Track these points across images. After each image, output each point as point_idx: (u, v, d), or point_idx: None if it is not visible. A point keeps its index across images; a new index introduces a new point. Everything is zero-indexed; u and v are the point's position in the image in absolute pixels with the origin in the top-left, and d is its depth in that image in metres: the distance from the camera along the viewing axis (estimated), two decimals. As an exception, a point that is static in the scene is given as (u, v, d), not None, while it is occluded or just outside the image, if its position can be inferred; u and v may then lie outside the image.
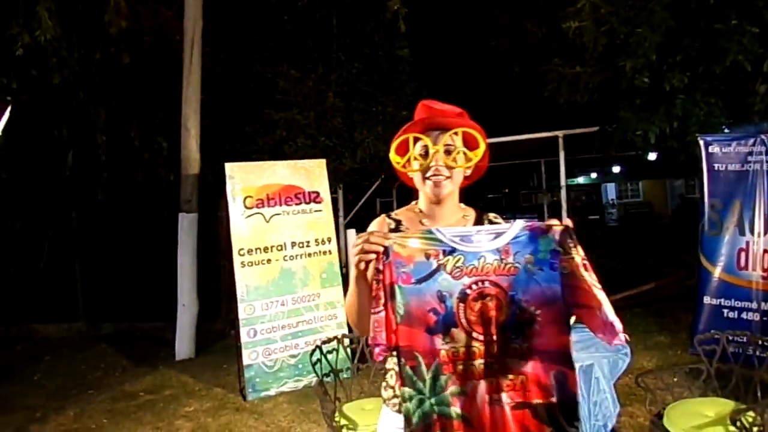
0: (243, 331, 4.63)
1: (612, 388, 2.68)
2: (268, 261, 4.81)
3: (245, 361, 4.62)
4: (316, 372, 3.02)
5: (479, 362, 1.28)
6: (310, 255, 4.98)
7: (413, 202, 1.65)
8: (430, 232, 1.31)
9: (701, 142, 4.76)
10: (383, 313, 1.27)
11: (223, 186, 4.86)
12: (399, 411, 1.49)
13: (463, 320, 1.27)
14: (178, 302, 5.98)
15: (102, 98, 7.26)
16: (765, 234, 4.48)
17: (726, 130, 5.75)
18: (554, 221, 1.30)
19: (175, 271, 6.04)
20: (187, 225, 6.03)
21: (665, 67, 5.45)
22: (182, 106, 6.04)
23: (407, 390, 1.28)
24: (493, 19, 7.97)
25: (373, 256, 1.29)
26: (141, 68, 7.15)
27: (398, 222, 1.58)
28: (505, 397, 1.26)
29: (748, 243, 4.54)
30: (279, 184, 4.96)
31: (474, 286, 1.27)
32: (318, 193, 5.11)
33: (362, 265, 1.31)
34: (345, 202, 9.21)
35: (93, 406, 4.68)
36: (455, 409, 1.27)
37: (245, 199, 4.80)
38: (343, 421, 2.79)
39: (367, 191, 9.53)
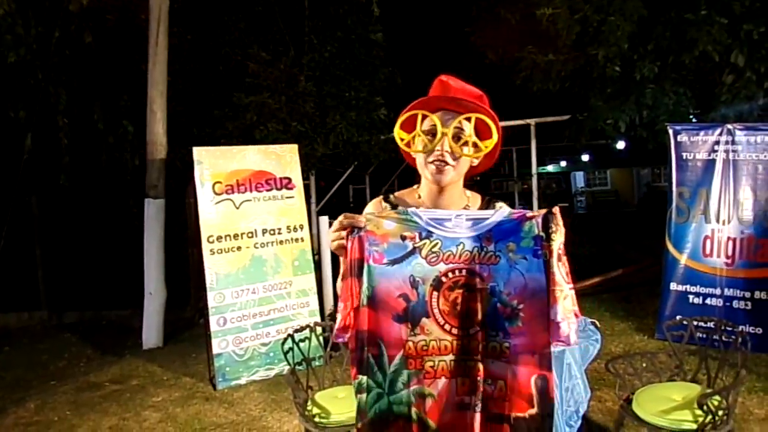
0: (212, 320, 4.53)
1: (583, 373, 2.71)
2: (239, 248, 4.71)
3: (215, 349, 4.53)
4: (288, 361, 2.97)
5: (450, 359, 1.15)
6: (281, 242, 4.89)
7: (416, 185, 1.52)
8: (407, 213, 1.21)
9: (670, 131, 4.84)
10: (344, 284, 1.18)
11: (191, 171, 4.72)
12: None
13: (436, 310, 1.16)
14: (145, 290, 5.83)
15: (63, 79, 6.94)
16: (729, 222, 4.60)
17: (693, 120, 5.87)
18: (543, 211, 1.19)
19: (142, 258, 5.88)
20: (153, 211, 5.85)
21: (636, 56, 5.52)
22: (148, 89, 5.82)
23: (365, 379, 1.15)
24: (468, 5, 7.92)
25: (343, 242, 1.20)
26: (104, 48, 6.86)
27: (395, 207, 1.45)
28: (478, 404, 1.14)
29: (713, 231, 4.66)
30: (249, 169, 4.84)
31: (450, 274, 1.16)
32: (290, 179, 5.01)
33: (339, 249, 1.22)
34: (317, 189, 9.11)
35: (56, 397, 4.52)
36: (416, 411, 1.14)
37: (214, 184, 4.67)
38: (316, 410, 2.75)
39: (340, 178, 9.44)
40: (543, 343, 1.14)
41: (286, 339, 3.03)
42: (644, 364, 3.00)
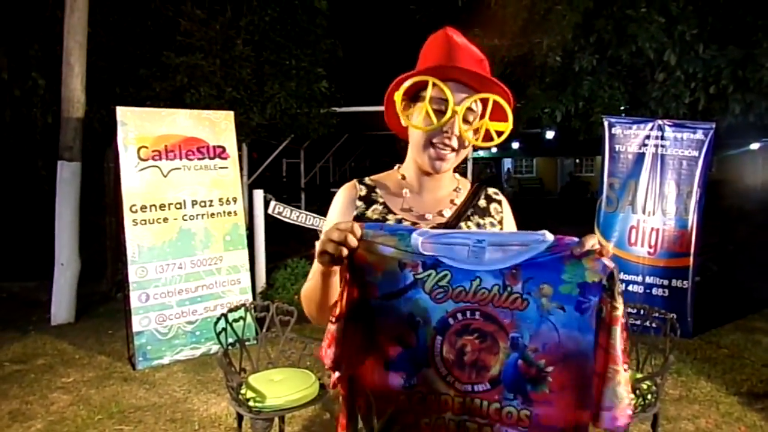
0: (133, 296, 4.20)
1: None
2: (165, 220, 4.38)
3: (135, 327, 4.21)
4: (220, 342, 2.78)
5: (449, 417, 0.93)
6: (212, 215, 4.61)
7: (396, 165, 1.30)
8: (407, 237, 0.94)
9: (605, 123, 4.99)
10: (337, 327, 0.93)
11: (112, 133, 4.31)
12: None
13: (438, 359, 0.93)
14: (56, 261, 5.32)
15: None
16: (654, 213, 4.84)
17: (623, 114, 6.12)
18: (592, 240, 0.90)
19: (53, 226, 5.36)
20: (67, 175, 5.33)
21: (577, 47, 5.64)
22: (64, 38, 5.24)
23: None
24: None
25: (346, 251, 0.93)
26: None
27: (371, 189, 1.24)
28: None
29: (639, 221, 4.88)
30: (180, 135, 4.49)
31: (459, 316, 0.92)
32: (224, 148, 4.71)
33: (325, 260, 0.94)
34: (249, 161, 8.73)
35: (-55, 378, 4.05)
36: None
37: (139, 149, 4.30)
38: (250, 394, 2.59)
39: (275, 150, 9.10)
40: (577, 420, 0.91)
41: (219, 319, 2.83)
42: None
